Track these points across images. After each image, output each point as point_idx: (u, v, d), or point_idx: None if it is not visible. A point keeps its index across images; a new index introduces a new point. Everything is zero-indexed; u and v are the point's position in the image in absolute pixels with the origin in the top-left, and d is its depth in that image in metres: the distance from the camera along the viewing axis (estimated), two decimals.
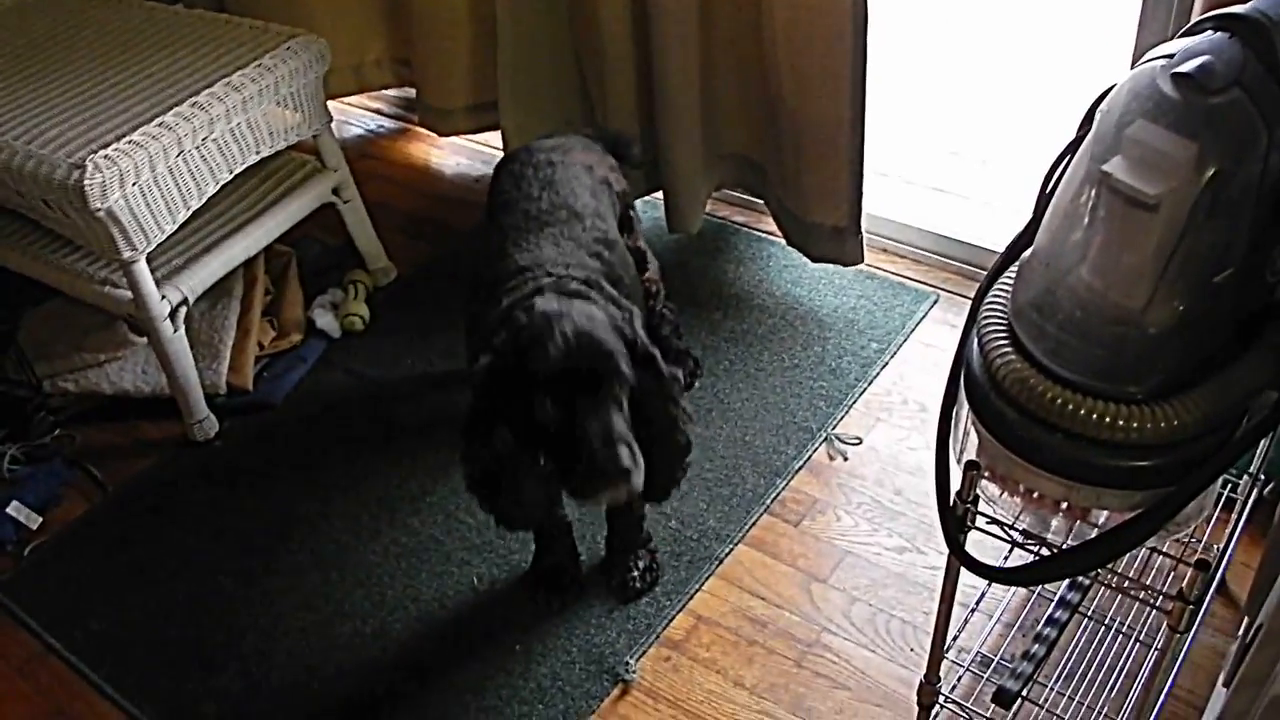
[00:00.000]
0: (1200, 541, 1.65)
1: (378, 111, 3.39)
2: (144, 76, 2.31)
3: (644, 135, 2.60)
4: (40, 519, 2.26)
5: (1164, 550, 1.48)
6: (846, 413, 2.28)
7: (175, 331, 2.28)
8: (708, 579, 2.03)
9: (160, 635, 2.05)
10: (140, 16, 2.56)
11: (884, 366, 2.38)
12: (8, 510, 2.23)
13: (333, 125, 2.52)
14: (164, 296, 2.24)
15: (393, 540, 2.14)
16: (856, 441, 2.22)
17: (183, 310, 2.28)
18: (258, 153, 2.34)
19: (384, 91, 3.30)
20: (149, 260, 2.21)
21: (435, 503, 2.20)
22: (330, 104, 2.54)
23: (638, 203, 2.73)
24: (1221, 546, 1.58)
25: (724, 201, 2.84)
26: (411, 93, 3.13)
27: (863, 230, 2.44)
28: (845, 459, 2.20)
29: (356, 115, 3.37)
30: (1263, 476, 1.70)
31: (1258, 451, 1.66)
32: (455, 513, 2.17)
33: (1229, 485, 1.71)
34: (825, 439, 2.23)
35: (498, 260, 1.83)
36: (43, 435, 2.41)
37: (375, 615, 2.02)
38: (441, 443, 2.31)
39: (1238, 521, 1.62)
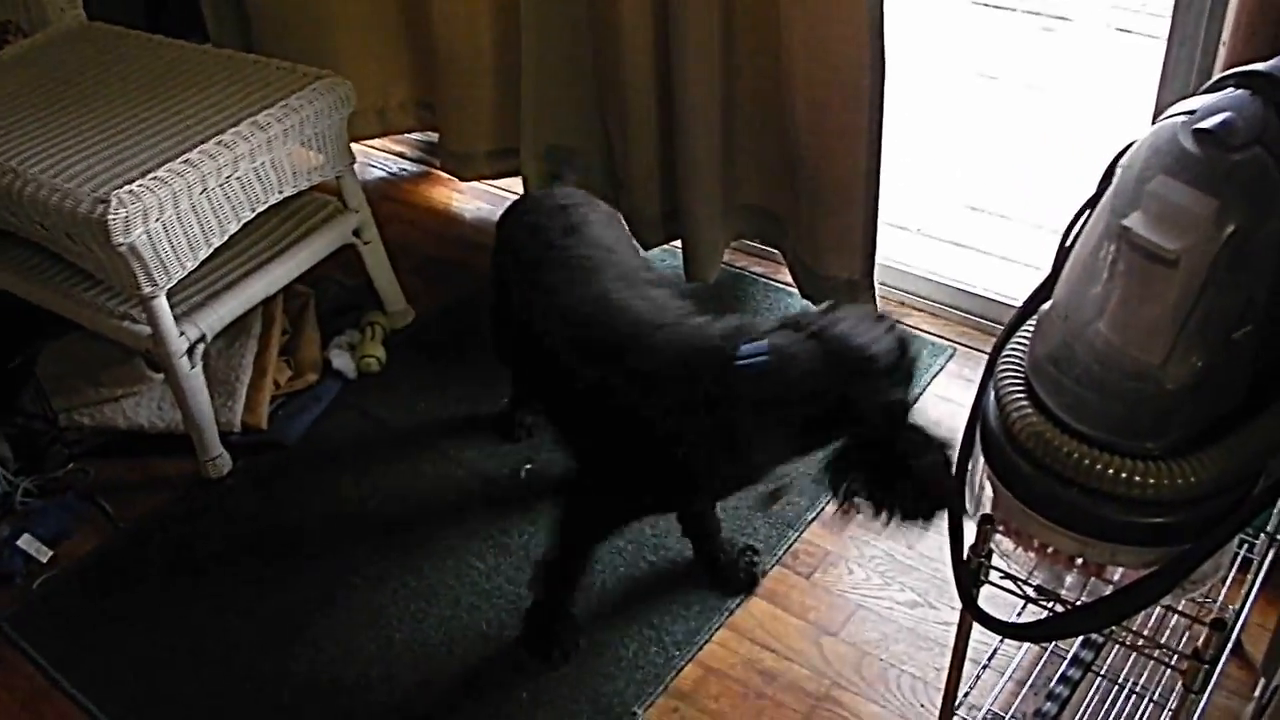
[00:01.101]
0: (1216, 600, 1.64)
1: (400, 154, 3.41)
2: (171, 114, 2.33)
3: (664, 184, 2.62)
4: (51, 553, 2.26)
5: (1179, 608, 1.46)
6: None
7: (192, 368, 2.28)
8: (718, 630, 2.01)
9: (167, 674, 2.03)
10: (171, 55, 2.58)
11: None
12: (19, 543, 2.23)
13: (355, 167, 2.53)
14: (182, 333, 2.25)
15: (402, 584, 2.13)
16: None
17: (200, 347, 2.29)
18: (280, 192, 2.35)
19: (407, 135, 3.32)
20: (169, 296, 2.22)
21: (446, 547, 2.19)
22: (353, 146, 2.55)
23: (656, 251, 2.75)
24: (1237, 607, 1.56)
25: (742, 251, 2.85)
26: (434, 137, 3.16)
27: (875, 284, 2.44)
28: (858, 512, 2.18)
29: (379, 158, 3.39)
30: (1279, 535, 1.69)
31: (1275, 510, 1.64)
32: (465, 557, 2.16)
33: (1245, 544, 1.70)
34: (838, 492, 2.21)
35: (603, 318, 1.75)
36: (57, 469, 2.42)
37: (382, 659, 2.01)
38: (451, 485, 2.31)
39: (1254, 582, 1.61)
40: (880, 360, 1.55)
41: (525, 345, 1.94)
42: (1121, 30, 3.66)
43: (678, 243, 2.69)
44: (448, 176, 3.13)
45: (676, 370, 1.64)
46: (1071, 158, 3.08)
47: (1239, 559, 1.63)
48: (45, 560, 2.24)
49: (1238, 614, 1.53)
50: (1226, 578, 1.58)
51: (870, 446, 1.59)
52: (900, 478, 1.57)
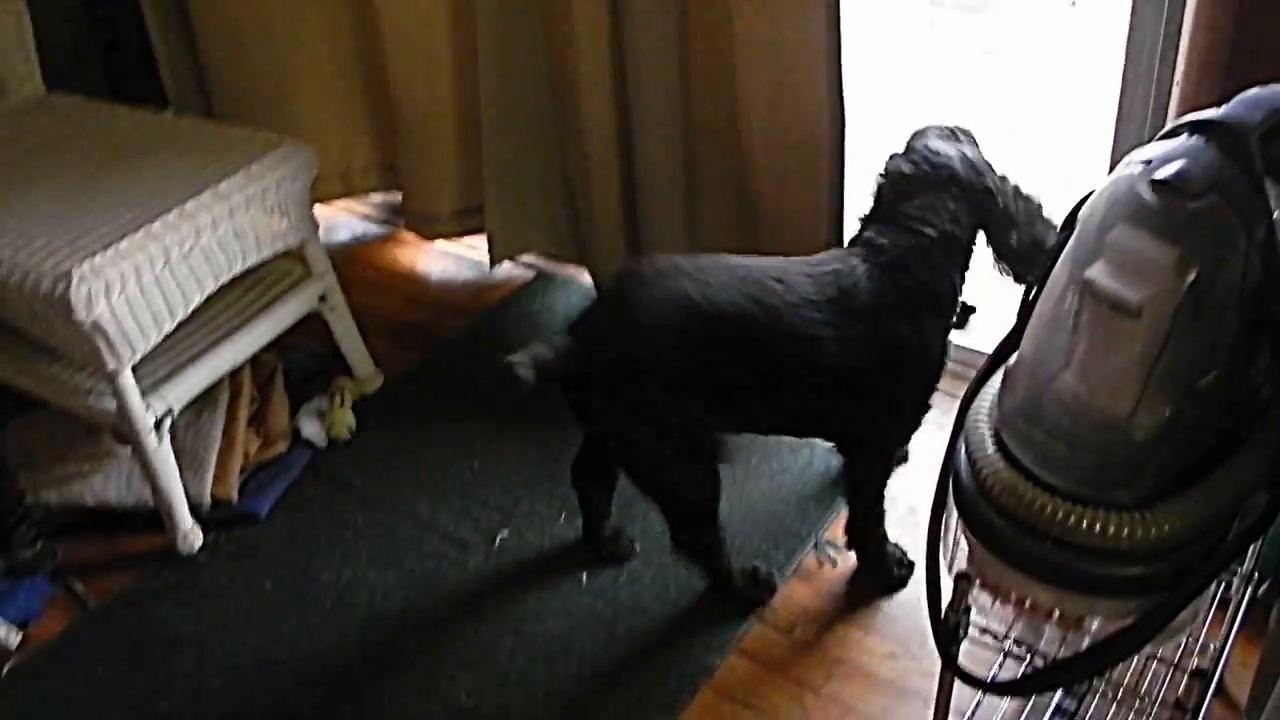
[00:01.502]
0: (1197, 642, 1.63)
1: (365, 216, 3.40)
2: (132, 185, 2.31)
3: (627, 238, 2.62)
4: (20, 635, 2.22)
5: (1160, 655, 1.46)
6: (836, 517, 2.26)
7: (160, 443, 2.26)
8: (699, 691, 1.99)
9: None
10: (130, 124, 2.57)
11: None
12: None
13: (319, 230, 2.52)
14: (149, 407, 2.23)
15: (378, 657, 2.10)
16: (847, 547, 2.20)
17: (168, 421, 2.27)
18: (244, 261, 2.34)
19: (371, 196, 3.31)
20: (134, 370, 2.20)
21: (422, 616, 2.17)
22: (317, 208, 2.55)
23: None
24: (1218, 647, 1.56)
25: None
26: (398, 197, 3.15)
27: None
28: (835, 565, 2.18)
29: (343, 219, 3.38)
30: (1256, 575, 1.68)
31: (1251, 550, 1.64)
32: (442, 626, 2.14)
33: (1223, 584, 1.69)
34: (815, 545, 2.21)
35: None
36: (24, 548, 2.38)
37: None
38: (428, 551, 2.28)
39: (1233, 623, 1.60)
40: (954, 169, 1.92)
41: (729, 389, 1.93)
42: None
43: None
44: (413, 237, 3.13)
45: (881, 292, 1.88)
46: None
47: (1217, 598, 1.63)
48: (15, 645, 2.20)
49: (1217, 658, 1.53)
50: (1206, 618, 1.57)
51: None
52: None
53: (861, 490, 2.08)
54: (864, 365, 1.88)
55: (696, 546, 2.06)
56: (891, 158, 2.01)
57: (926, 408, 2.01)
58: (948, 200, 1.92)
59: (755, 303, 1.84)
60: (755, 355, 1.85)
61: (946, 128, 2.04)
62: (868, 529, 2.11)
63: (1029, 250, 1.93)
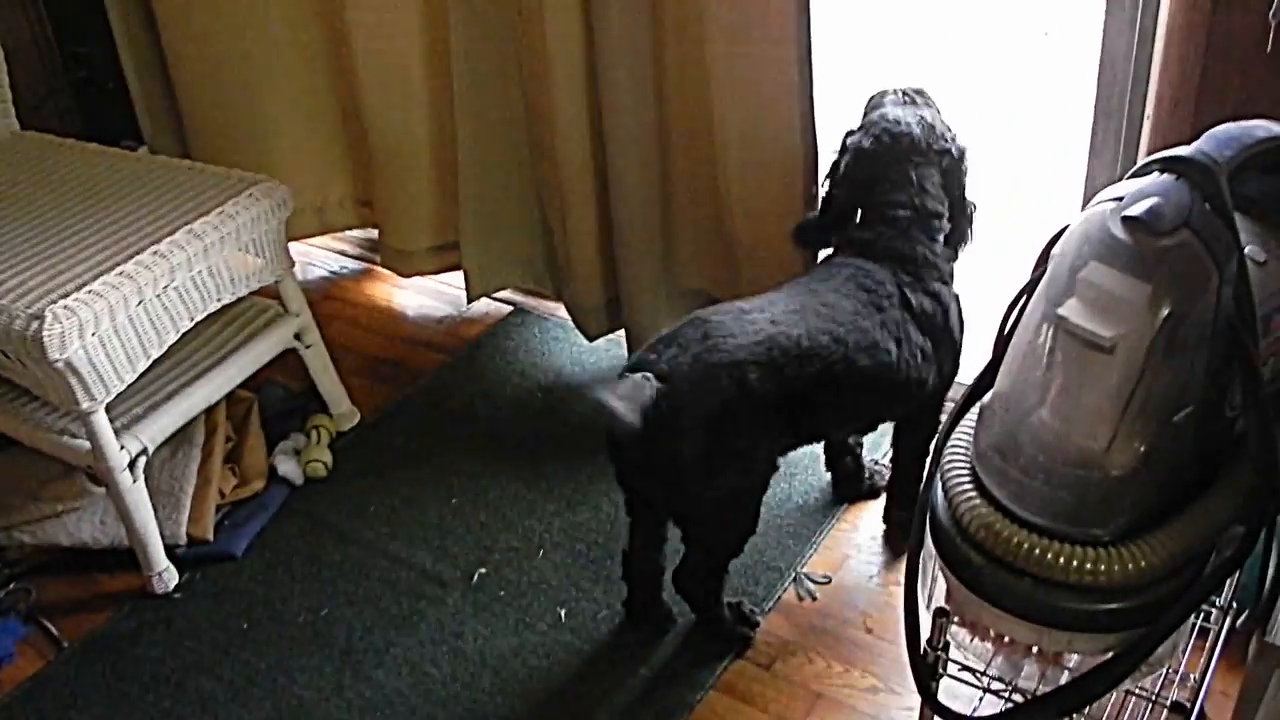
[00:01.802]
0: (1177, 674, 1.63)
1: (341, 252, 3.40)
2: (106, 224, 2.31)
3: (605, 274, 2.62)
4: None
5: (1140, 688, 1.46)
6: (814, 551, 2.26)
7: (135, 482, 2.24)
8: None
9: None
10: (105, 163, 2.57)
11: (850, 502, 2.37)
12: None
13: (295, 268, 2.52)
14: (123, 447, 2.21)
15: (357, 694, 2.09)
16: (825, 580, 2.20)
17: (142, 460, 2.25)
18: (219, 300, 2.33)
19: (347, 232, 3.31)
20: (108, 409, 2.18)
21: (400, 654, 2.15)
22: (293, 245, 2.54)
23: (600, 341, 2.75)
24: (1197, 678, 1.56)
25: None
26: (374, 233, 3.14)
27: None
28: (814, 599, 2.17)
29: (319, 256, 3.38)
30: (1235, 605, 1.68)
31: (1229, 582, 1.64)
32: (420, 664, 2.13)
33: (1201, 613, 1.69)
34: (794, 579, 2.21)
35: None
36: None
37: None
38: (405, 589, 2.27)
39: (1212, 653, 1.60)
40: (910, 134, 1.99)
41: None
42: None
43: (621, 332, 2.69)
44: (388, 273, 3.12)
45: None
46: (1007, 241, 3.10)
47: (1195, 629, 1.63)
48: None
49: (1196, 690, 1.53)
50: (1186, 649, 1.57)
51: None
52: None
53: (920, 451, 2.16)
54: (915, 347, 1.96)
55: (710, 585, 2.05)
56: (851, 134, 2.07)
57: (959, 361, 2.08)
58: (911, 171, 2.00)
59: (824, 333, 1.87)
60: (839, 380, 1.88)
61: (903, 91, 2.10)
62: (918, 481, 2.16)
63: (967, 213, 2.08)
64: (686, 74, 2.30)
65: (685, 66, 2.29)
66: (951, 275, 2.06)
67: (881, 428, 2.24)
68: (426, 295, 3.16)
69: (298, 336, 2.57)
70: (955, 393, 2.03)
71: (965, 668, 1.36)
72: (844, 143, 2.08)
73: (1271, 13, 1.69)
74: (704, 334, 1.84)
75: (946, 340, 2.02)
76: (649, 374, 1.79)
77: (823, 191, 2.14)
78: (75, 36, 3.27)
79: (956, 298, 2.05)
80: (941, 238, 2.04)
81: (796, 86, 2.18)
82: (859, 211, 2.06)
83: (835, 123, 2.17)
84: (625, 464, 1.93)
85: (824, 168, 2.15)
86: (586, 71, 2.38)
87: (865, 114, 2.10)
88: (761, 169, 2.28)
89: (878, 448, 2.43)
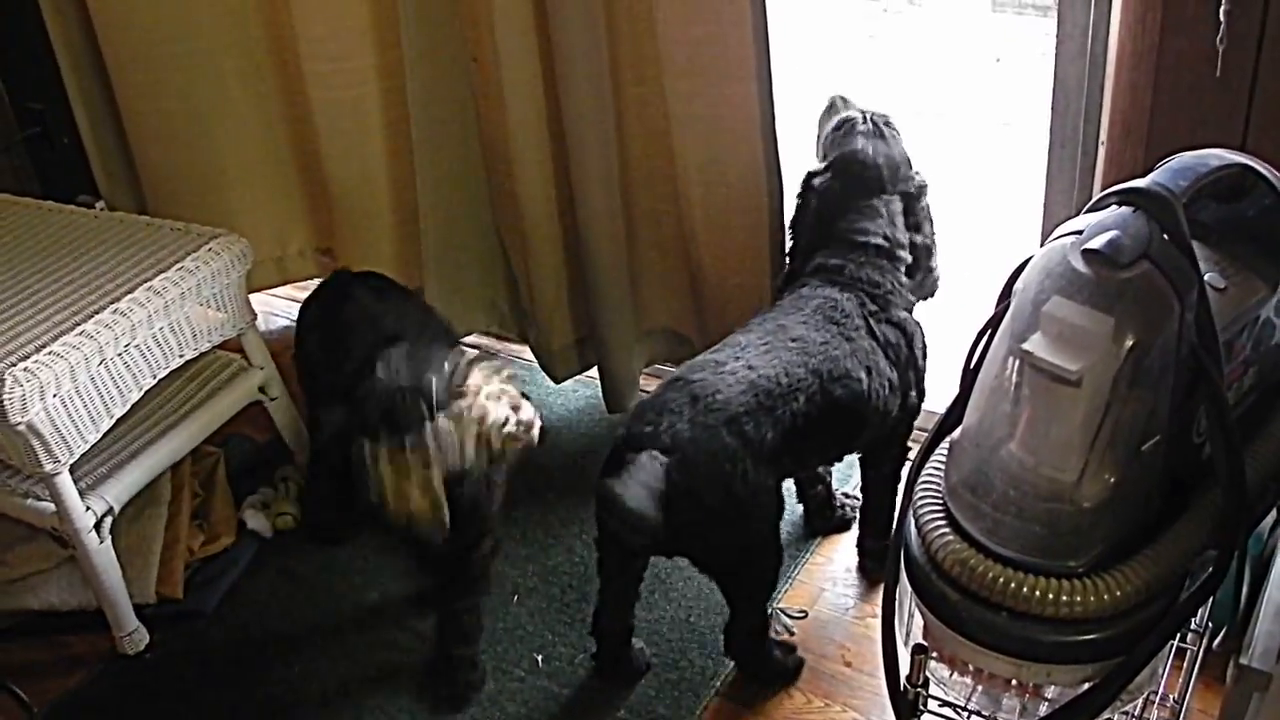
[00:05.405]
0: (1157, 695, 1.63)
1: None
2: (65, 283, 2.29)
3: (572, 315, 2.62)
4: None
5: (1121, 713, 1.46)
6: (790, 585, 2.26)
7: (101, 543, 2.21)
8: None
9: None
10: (62, 221, 2.54)
11: (823, 535, 2.37)
12: None
13: (257, 320, 2.50)
14: (89, 508, 2.19)
15: None
16: (802, 615, 2.20)
17: (108, 520, 2.22)
18: (181, 356, 2.31)
19: (308, 282, 3.29)
20: (72, 470, 2.16)
21: (376, 706, 2.13)
22: (254, 296, 2.52)
23: (570, 382, 2.74)
24: (1176, 699, 1.57)
25: (654, 376, 2.83)
26: None
27: None
28: (792, 634, 2.17)
29: (281, 306, 3.36)
30: (1211, 625, 1.69)
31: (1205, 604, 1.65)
32: (398, 716, 2.11)
33: (1179, 634, 1.70)
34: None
35: None
36: None
37: None
38: (380, 641, 2.25)
39: (1190, 674, 1.61)
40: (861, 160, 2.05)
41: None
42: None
43: (591, 372, 2.68)
44: None
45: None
46: (971, 270, 3.11)
47: (1173, 650, 1.63)
48: None
49: (1177, 710, 1.53)
50: (1164, 672, 1.58)
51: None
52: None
53: (889, 479, 2.18)
54: (883, 376, 1.98)
55: (759, 642, 2.06)
56: (814, 175, 2.11)
57: (924, 388, 2.10)
58: (881, 206, 2.05)
59: (799, 365, 1.89)
60: (823, 415, 1.90)
61: (870, 123, 2.11)
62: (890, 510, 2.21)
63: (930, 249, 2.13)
64: (649, 116, 2.31)
65: (646, 106, 2.30)
66: (913, 305, 2.08)
67: (848, 460, 2.23)
68: None
69: (262, 389, 2.55)
70: (924, 421, 2.05)
71: (946, 703, 1.36)
72: (808, 182, 2.09)
73: (1219, 37, 1.71)
74: (691, 396, 1.84)
75: (911, 368, 2.04)
76: (654, 451, 1.78)
77: (789, 242, 2.16)
78: (28, 92, 3.25)
79: (920, 326, 2.07)
80: (903, 269, 2.06)
81: (759, 123, 2.19)
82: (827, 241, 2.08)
83: (798, 156, 2.19)
84: (641, 543, 1.88)
85: (790, 204, 2.16)
86: (549, 117, 2.38)
87: (829, 138, 2.12)
88: (726, 206, 2.29)
89: (846, 480, 2.44)
